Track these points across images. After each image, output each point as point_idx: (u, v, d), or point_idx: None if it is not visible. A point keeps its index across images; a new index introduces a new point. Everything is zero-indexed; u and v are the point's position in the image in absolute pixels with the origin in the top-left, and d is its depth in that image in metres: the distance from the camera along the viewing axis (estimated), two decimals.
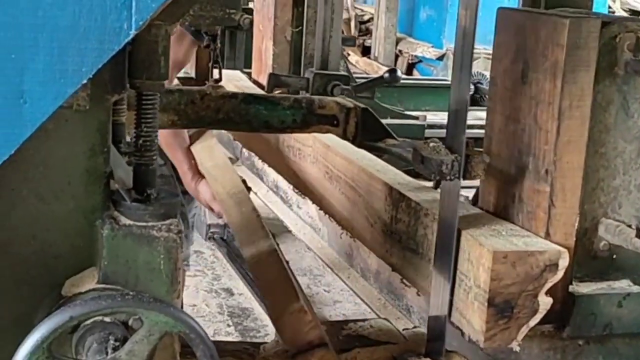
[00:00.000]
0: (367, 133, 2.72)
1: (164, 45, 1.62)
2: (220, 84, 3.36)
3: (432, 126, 6.93)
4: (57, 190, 1.61)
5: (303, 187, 3.33)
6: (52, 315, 1.44)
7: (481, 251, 2.11)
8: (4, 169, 1.44)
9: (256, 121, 2.67)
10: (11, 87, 1.37)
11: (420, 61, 10.46)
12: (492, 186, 2.40)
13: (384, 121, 2.75)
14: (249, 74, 4.72)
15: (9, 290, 1.61)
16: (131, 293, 1.52)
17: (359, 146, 2.74)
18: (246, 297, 3.98)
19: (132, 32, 1.41)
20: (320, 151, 3.11)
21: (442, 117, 5.83)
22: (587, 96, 2.17)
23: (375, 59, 10.58)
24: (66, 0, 1.37)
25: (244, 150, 4.18)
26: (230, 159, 4.38)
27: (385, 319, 2.69)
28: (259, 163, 3.93)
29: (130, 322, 1.54)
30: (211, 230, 4.34)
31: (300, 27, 4.37)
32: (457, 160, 2.19)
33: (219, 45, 2.66)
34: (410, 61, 10.69)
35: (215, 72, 3.25)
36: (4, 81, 1.37)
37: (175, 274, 1.65)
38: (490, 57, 2.51)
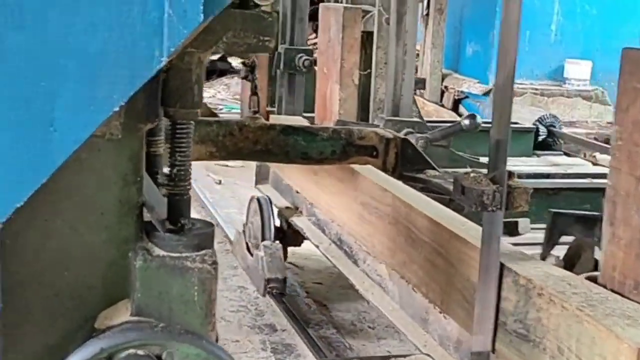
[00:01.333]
0: (407, 164, 2.69)
1: (197, 73, 1.60)
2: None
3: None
4: (90, 221, 1.58)
5: (379, 251, 3.04)
6: (82, 347, 1.42)
7: (619, 346, 1.75)
8: (37, 200, 1.42)
9: (294, 152, 2.65)
10: (41, 115, 1.36)
11: (467, 97, 10.40)
12: (617, 260, 2.07)
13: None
14: (309, 119, 4.56)
15: (43, 322, 1.58)
16: (161, 325, 1.49)
17: (399, 177, 2.71)
18: (289, 333, 3.93)
19: (164, 59, 1.39)
20: (402, 211, 2.78)
21: (514, 164, 5.42)
22: None
23: (421, 95, 10.58)
24: (96, 27, 1.36)
25: (301, 196, 4.02)
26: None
27: (427, 354, 2.63)
28: (320, 214, 3.74)
29: (163, 356, 1.51)
30: (270, 285, 4.01)
31: (368, 70, 4.14)
32: (499, 191, 2.15)
33: (257, 76, 2.65)
34: (456, 97, 10.65)
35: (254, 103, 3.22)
36: (34, 109, 1.35)
37: (210, 305, 1.62)
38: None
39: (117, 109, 1.39)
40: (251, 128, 2.62)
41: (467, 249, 2.38)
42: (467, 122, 3.85)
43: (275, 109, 5.37)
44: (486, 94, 10.34)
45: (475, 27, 10.65)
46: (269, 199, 4.40)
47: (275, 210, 4.40)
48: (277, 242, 4.22)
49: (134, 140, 1.59)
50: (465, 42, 11.01)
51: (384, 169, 2.69)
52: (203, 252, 1.63)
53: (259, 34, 1.62)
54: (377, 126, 3.53)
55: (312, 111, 5.25)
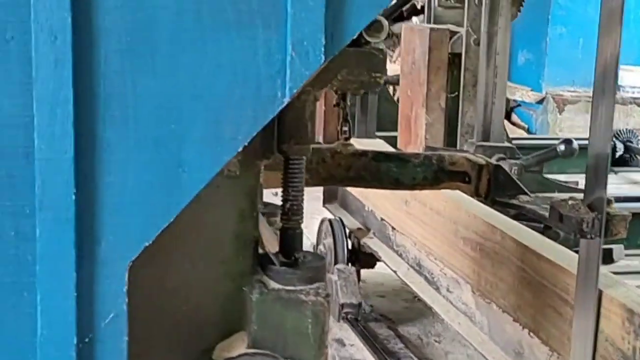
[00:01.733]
0: (500, 190, 2.69)
1: (310, 110, 1.63)
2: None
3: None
4: (208, 255, 1.62)
5: (487, 290, 2.91)
6: None
7: None
8: (159, 236, 1.46)
9: (387, 178, 2.67)
10: (170, 156, 1.40)
11: (519, 105, 10.35)
12: None
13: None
14: (382, 137, 4.47)
15: (162, 354, 1.62)
16: (286, 359, 1.52)
17: (491, 203, 2.71)
18: (358, 348, 3.96)
19: (286, 100, 1.42)
20: (515, 250, 2.68)
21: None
22: None
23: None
24: (222, 70, 1.40)
25: (377, 217, 3.94)
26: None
27: None
28: (398, 238, 3.67)
29: None
30: (344, 310, 3.96)
31: (455, 93, 4.01)
32: (598, 218, 2.15)
33: (349, 103, 2.66)
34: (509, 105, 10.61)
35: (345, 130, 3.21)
36: (164, 151, 1.39)
37: (323, 337, 1.65)
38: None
39: (240, 148, 1.43)
40: (343, 155, 2.64)
41: (602, 299, 2.28)
42: (562, 147, 3.69)
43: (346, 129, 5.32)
44: (539, 102, 10.30)
45: (527, 35, 10.57)
46: (341, 220, 4.37)
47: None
48: (350, 265, 4.21)
49: (250, 176, 1.63)
50: (517, 50, 10.96)
51: (476, 194, 2.70)
52: (316, 285, 1.66)
53: (371, 70, 1.65)
54: (468, 152, 3.49)
55: (383, 130, 5.21)
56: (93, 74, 1.35)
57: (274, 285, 1.64)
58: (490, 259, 2.84)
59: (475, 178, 2.69)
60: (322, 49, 1.40)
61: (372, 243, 4.05)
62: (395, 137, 4.62)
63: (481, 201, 2.81)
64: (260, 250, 1.70)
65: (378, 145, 4.10)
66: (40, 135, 1.34)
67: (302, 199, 1.70)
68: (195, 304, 1.63)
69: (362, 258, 4.32)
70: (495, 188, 2.68)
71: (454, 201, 3.06)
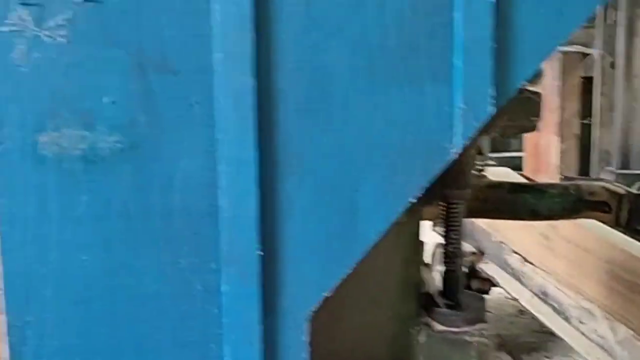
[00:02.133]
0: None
1: (471, 155, 1.66)
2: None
3: None
4: (375, 300, 1.67)
5: (628, 322, 2.83)
6: None
7: None
8: None
9: (523, 210, 2.66)
10: (347, 208, 1.45)
11: None
12: None
13: None
14: (495, 159, 4.41)
15: None
16: None
17: (633, 233, 2.68)
18: None
19: (456, 151, 1.46)
20: None
21: None
22: None
23: None
24: (394, 123, 1.44)
25: (493, 240, 3.85)
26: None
27: None
28: (519, 264, 3.62)
29: None
30: None
31: (588, 118, 3.89)
32: None
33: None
34: None
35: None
36: (341, 203, 1.44)
37: None
38: None
39: (413, 199, 1.47)
40: (479, 187, 2.65)
41: None
42: None
43: None
44: None
45: None
46: None
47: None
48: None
49: (413, 222, 1.67)
50: None
51: (616, 224, 2.67)
52: (479, 325, 1.69)
53: (529, 114, 1.67)
54: (605, 180, 3.42)
55: (494, 151, 5.14)
56: (273, 134, 1.41)
57: (439, 326, 1.68)
58: (632, 290, 2.78)
59: (616, 208, 2.66)
60: (491, 101, 1.44)
61: (487, 268, 3.98)
62: (510, 158, 4.55)
63: (621, 231, 2.79)
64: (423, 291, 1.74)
65: (507, 174, 4.03)
66: (225, 194, 1.41)
67: (461, 242, 1.73)
68: (365, 347, 1.68)
69: (476, 283, 4.27)
70: (636, 217, 2.65)
71: (592, 231, 3.02)
